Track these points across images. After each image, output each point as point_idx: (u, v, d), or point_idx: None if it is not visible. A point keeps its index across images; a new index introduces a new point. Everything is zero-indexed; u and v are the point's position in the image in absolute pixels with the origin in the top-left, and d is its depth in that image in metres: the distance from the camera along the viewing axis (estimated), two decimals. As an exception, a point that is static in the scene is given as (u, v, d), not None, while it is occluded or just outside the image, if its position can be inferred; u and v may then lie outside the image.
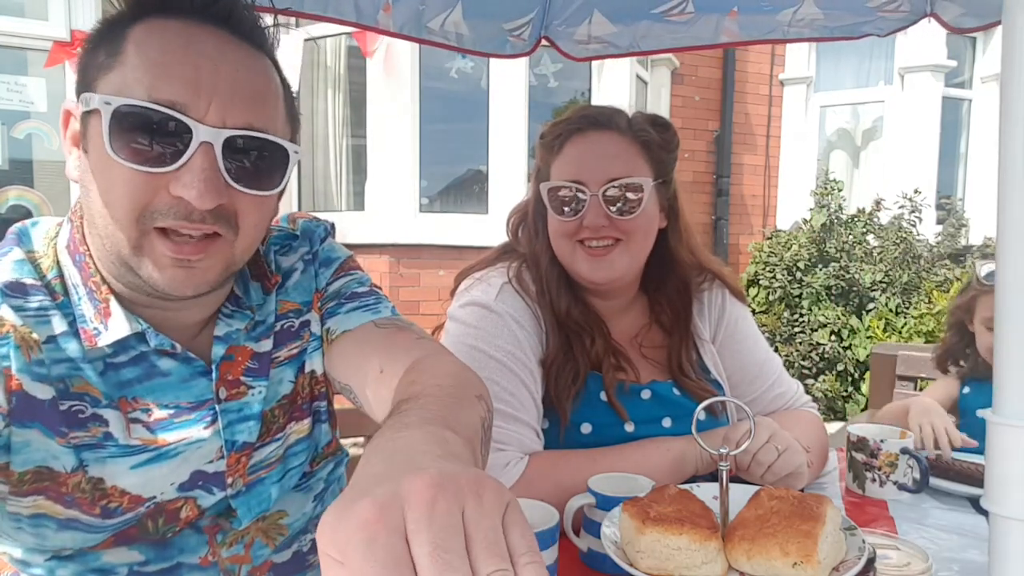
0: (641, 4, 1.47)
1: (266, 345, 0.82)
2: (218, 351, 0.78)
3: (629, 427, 1.11)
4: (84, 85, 0.67)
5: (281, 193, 0.76)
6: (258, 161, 0.69)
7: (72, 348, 0.70)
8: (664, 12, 1.46)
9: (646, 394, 1.15)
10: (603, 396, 1.11)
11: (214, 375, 0.77)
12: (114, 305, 0.71)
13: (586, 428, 1.09)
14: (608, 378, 1.11)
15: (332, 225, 0.95)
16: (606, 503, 0.86)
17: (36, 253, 0.73)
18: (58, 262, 0.72)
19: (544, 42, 1.53)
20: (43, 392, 0.68)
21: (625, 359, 1.16)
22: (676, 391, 1.17)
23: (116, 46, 0.66)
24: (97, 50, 0.67)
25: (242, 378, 0.79)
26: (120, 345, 0.72)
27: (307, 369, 0.86)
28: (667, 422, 1.14)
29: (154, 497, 0.74)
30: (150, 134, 0.63)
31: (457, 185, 5.21)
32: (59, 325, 0.70)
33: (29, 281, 0.70)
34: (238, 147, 0.67)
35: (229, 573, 0.80)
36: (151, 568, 0.76)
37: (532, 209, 1.20)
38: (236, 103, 0.66)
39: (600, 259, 1.10)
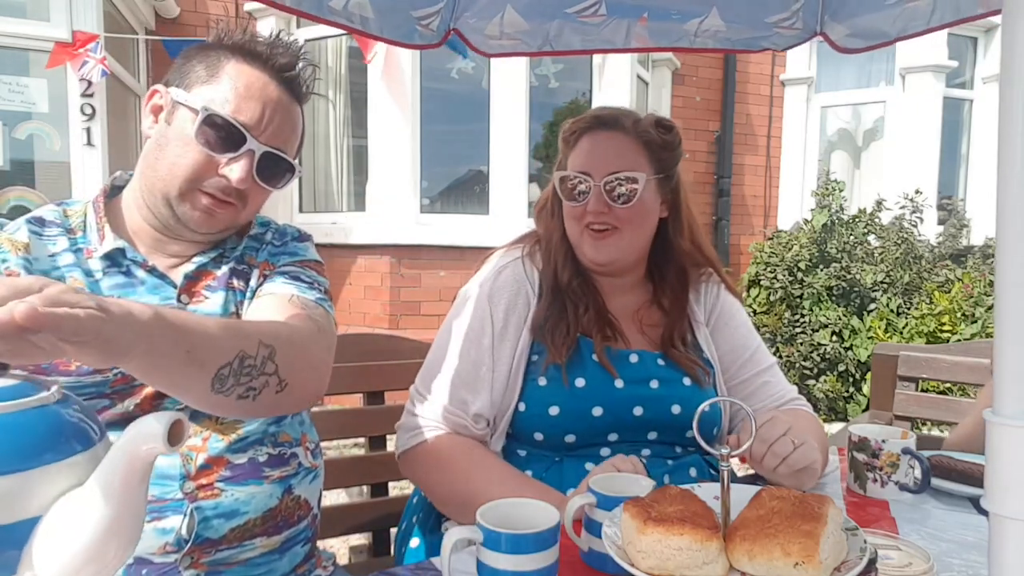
0: (554, 3, 1.46)
1: (224, 270, 1.06)
2: (187, 268, 1.03)
3: (619, 383, 1.20)
4: (180, 83, 1.00)
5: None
6: (274, 168, 1.04)
7: (67, 259, 0.98)
8: (577, 12, 1.47)
9: (634, 358, 1.25)
10: (594, 358, 1.21)
11: (180, 283, 1.02)
12: (107, 231, 1.00)
13: (580, 382, 1.19)
14: (597, 341, 1.22)
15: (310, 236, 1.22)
16: (607, 503, 0.86)
17: (72, 209, 1.03)
18: (86, 214, 1.03)
19: (453, 35, 1.49)
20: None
21: (618, 330, 1.26)
22: (661, 361, 1.26)
23: (215, 70, 0.99)
24: (197, 64, 1.00)
25: (203, 291, 1.04)
26: (112, 261, 0.99)
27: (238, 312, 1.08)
28: (654, 383, 1.22)
29: (115, 368, 0.91)
30: (222, 134, 0.97)
31: (458, 186, 5.21)
32: (62, 244, 0.99)
33: (50, 218, 1.01)
34: (267, 158, 1.01)
35: (187, 459, 0.97)
36: None
37: (552, 195, 1.34)
38: (276, 135, 1.01)
39: (601, 241, 1.24)
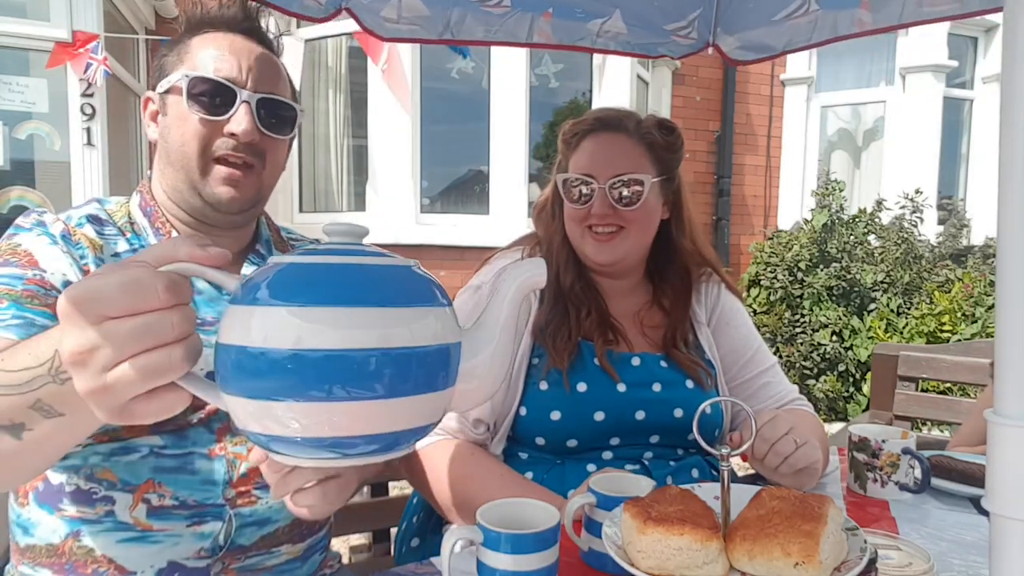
0: None
1: None
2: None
3: (621, 387, 1.19)
4: (161, 76, 1.02)
5: (291, 143, 1.08)
6: (275, 115, 1.02)
7: None
8: (480, 1, 1.44)
9: (636, 361, 1.24)
10: (596, 362, 1.20)
11: None
12: (174, 234, 1.01)
13: (582, 387, 1.18)
14: (598, 345, 1.21)
15: None
16: (607, 503, 0.86)
17: (110, 208, 1.03)
18: (130, 215, 1.03)
19: (344, 14, 1.42)
20: None
21: (620, 333, 1.25)
22: (664, 363, 1.25)
23: (183, 50, 1.02)
24: (168, 56, 1.03)
25: None
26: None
27: None
28: (657, 387, 1.21)
29: None
30: (212, 95, 0.97)
31: (458, 186, 5.21)
32: (123, 246, 0.99)
33: (103, 217, 1.01)
34: (265, 105, 1.00)
35: (231, 465, 0.97)
36: (168, 452, 0.93)
37: (552, 196, 1.33)
38: (262, 79, 1.01)
39: (604, 243, 1.23)
